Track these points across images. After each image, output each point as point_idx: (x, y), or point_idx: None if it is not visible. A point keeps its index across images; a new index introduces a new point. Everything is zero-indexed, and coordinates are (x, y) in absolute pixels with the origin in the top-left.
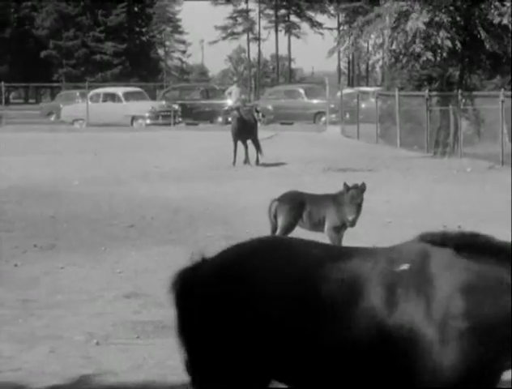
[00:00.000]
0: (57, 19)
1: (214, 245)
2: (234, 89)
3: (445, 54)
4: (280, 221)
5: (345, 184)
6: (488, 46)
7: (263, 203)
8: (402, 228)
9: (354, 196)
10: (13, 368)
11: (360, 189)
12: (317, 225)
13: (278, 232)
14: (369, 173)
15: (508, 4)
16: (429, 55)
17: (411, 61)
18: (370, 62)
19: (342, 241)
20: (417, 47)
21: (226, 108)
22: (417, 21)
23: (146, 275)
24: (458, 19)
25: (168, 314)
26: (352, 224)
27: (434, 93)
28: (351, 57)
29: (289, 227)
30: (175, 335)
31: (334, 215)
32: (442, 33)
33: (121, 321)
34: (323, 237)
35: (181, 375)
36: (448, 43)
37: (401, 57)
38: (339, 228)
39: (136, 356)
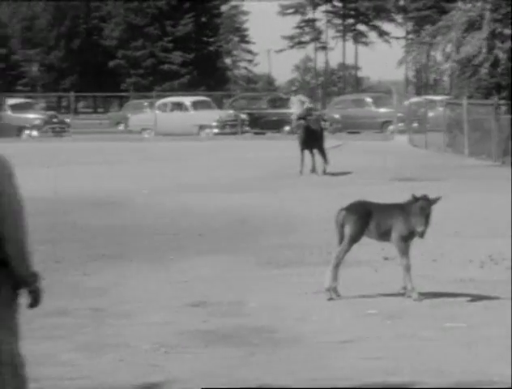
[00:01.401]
0: (126, 30)
1: (281, 255)
2: (296, 98)
3: (502, 68)
4: (347, 231)
5: (413, 195)
6: None
7: (330, 212)
8: (470, 238)
9: (423, 207)
10: (82, 376)
11: (430, 200)
12: (385, 235)
13: (345, 241)
14: (436, 182)
15: None
16: (486, 68)
17: (480, 70)
18: (438, 72)
19: (409, 251)
20: (478, 59)
21: (293, 117)
22: (480, 34)
23: (213, 284)
24: None
25: (235, 323)
26: (422, 235)
27: (503, 102)
28: (418, 66)
29: (356, 236)
30: (242, 344)
31: (402, 224)
32: (504, 45)
33: (188, 330)
34: (390, 247)
35: (250, 384)
36: (504, 57)
37: (469, 66)
38: (407, 238)
39: (204, 365)
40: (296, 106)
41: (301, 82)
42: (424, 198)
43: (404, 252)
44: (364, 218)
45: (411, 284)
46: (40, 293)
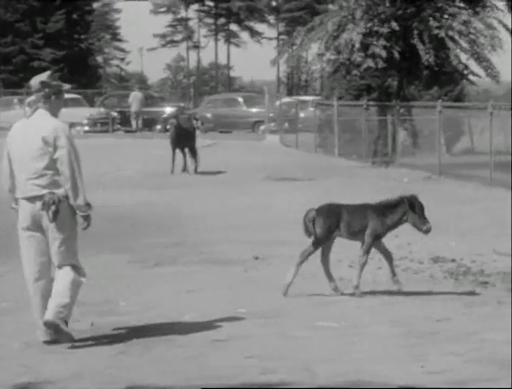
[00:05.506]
0: None
1: (153, 254)
2: (134, 95)
3: (381, 64)
4: (315, 232)
5: (402, 196)
6: (424, 58)
7: (202, 211)
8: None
9: (421, 204)
10: None
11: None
12: (356, 235)
13: (312, 241)
14: (308, 182)
15: (446, 17)
16: (370, 63)
17: (352, 70)
18: (310, 72)
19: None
20: (358, 56)
21: (164, 115)
22: (353, 32)
23: (85, 284)
24: (397, 28)
25: (107, 322)
26: (428, 231)
27: (373, 103)
28: (290, 67)
29: (322, 240)
30: (113, 343)
31: (378, 224)
32: (380, 42)
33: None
34: (261, 246)
35: (120, 385)
36: (383, 53)
37: (341, 66)
38: (378, 237)
39: (74, 365)
40: (135, 102)
41: (173, 80)
42: (413, 196)
43: (368, 250)
44: (332, 221)
45: (359, 281)
46: (90, 219)
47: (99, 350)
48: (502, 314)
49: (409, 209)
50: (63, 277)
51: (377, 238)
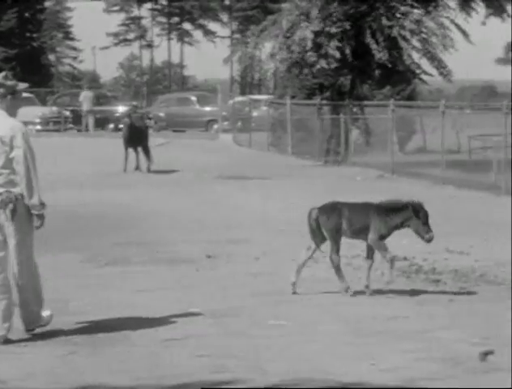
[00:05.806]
0: None
1: (108, 254)
2: (84, 94)
3: (335, 64)
4: (326, 232)
5: (408, 202)
6: (377, 57)
7: (154, 210)
8: (293, 236)
9: (426, 213)
10: None
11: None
12: (359, 233)
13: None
14: (261, 181)
15: (398, 16)
16: (324, 63)
17: (305, 69)
18: (262, 71)
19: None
20: (311, 56)
21: (117, 114)
22: (306, 30)
23: None
24: (349, 28)
25: (57, 321)
26: (431, 240)
27: (325, 102)
28: (244, 66)
29: (336, 232)
30: (63, 343)
31: (381, 224)
32: (332, 43)
33: (14, 328)
34: (214, 245)
35: (71, 384)
36: (336, 53)
37: (295, 65)
38: (385, 237)
39: (25, 365)
40: (86, 101)
41: (126, 79)
42: (419, 204)
43: (384, 248)
44: (336, 217)
45: (391, 277)
46: (43, 218)
47: (50, 350)
48: (453, 313)
49: (413, 215)
50: (27, 283)
51: (382, 238)
